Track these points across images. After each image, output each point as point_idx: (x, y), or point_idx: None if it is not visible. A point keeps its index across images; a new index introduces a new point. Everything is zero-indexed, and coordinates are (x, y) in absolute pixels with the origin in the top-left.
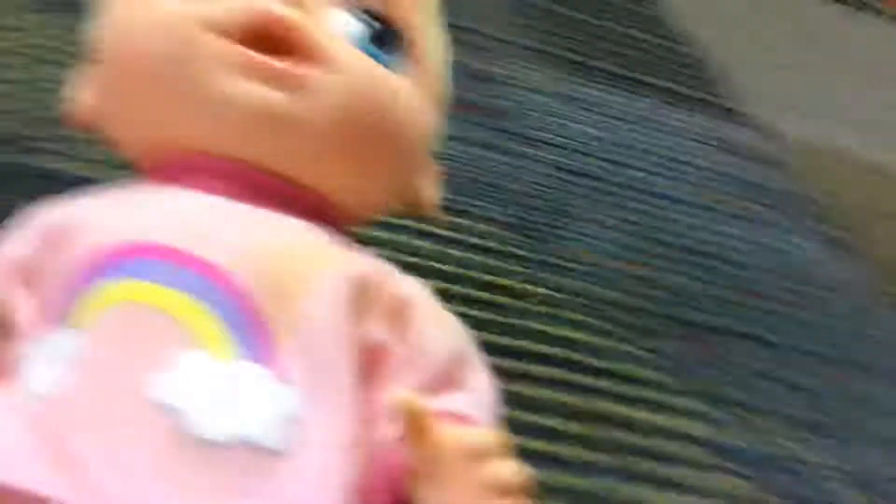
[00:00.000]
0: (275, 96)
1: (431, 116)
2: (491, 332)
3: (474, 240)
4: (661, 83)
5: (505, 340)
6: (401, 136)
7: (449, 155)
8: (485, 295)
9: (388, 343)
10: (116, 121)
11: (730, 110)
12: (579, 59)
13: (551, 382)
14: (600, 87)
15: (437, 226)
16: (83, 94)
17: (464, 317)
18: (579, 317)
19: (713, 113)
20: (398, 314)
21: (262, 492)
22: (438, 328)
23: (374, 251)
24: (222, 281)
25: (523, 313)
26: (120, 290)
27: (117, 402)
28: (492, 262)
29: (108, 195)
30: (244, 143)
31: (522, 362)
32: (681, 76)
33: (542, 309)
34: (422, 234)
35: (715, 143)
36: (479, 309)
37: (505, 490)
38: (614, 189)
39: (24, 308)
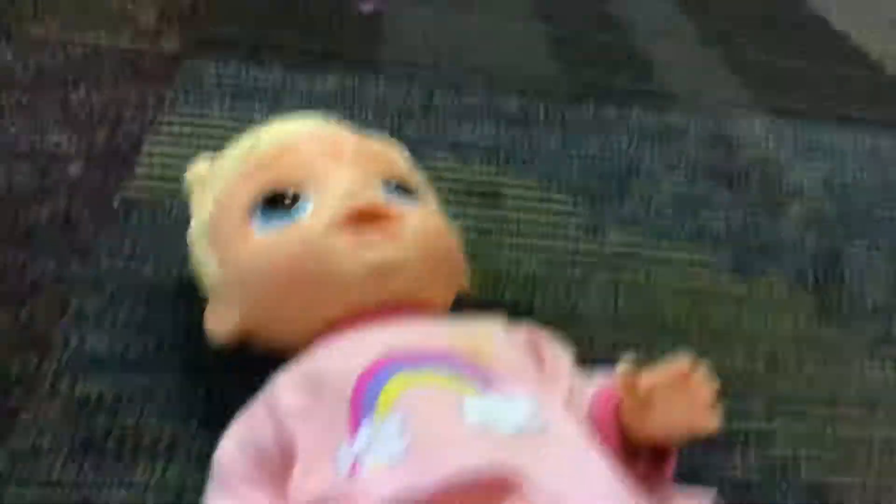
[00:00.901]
0: (385, 251)
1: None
2: None
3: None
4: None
5: None
6: (451, 241)
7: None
8: None
9: (538, 363)
10: (268, 330)
11: None
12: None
13: None
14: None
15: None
16: (222, 324)
17: None
18: None
19: None
20: (534, 345)
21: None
22: (561, 349)
23: None
24: (449, 358)
25: None
26: (394, 383)
27: (447, 430)
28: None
29: (321, 354)
30: (381, 289)
31: None
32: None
33: None
34: None
35: None
36: None
37: (705, 402)
38: None
39: (302, 436)
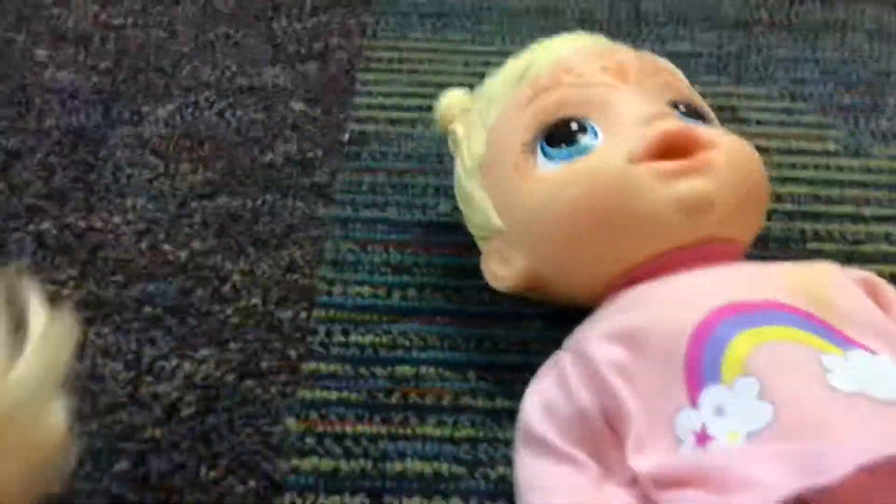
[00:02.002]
0: (698, 182)
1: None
2: None
3: None
4: None
5: None
6: (761, 167)
7: None
8: None
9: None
10: (560, 277)
11: None
12: None
13: None
14: None
15: None
16: (504, 269)
17: None
18: None
19: None
20: (875, 292)
21: None
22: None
23: None
24: (792, 310)
25: None
26: (739, 341)
27: (817, 398)
28: None
29: (634, 307)
30: (694, 227)
31: None
32: None
33: None
34: None
35: None
36: None
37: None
38: None
39: (630, 398)
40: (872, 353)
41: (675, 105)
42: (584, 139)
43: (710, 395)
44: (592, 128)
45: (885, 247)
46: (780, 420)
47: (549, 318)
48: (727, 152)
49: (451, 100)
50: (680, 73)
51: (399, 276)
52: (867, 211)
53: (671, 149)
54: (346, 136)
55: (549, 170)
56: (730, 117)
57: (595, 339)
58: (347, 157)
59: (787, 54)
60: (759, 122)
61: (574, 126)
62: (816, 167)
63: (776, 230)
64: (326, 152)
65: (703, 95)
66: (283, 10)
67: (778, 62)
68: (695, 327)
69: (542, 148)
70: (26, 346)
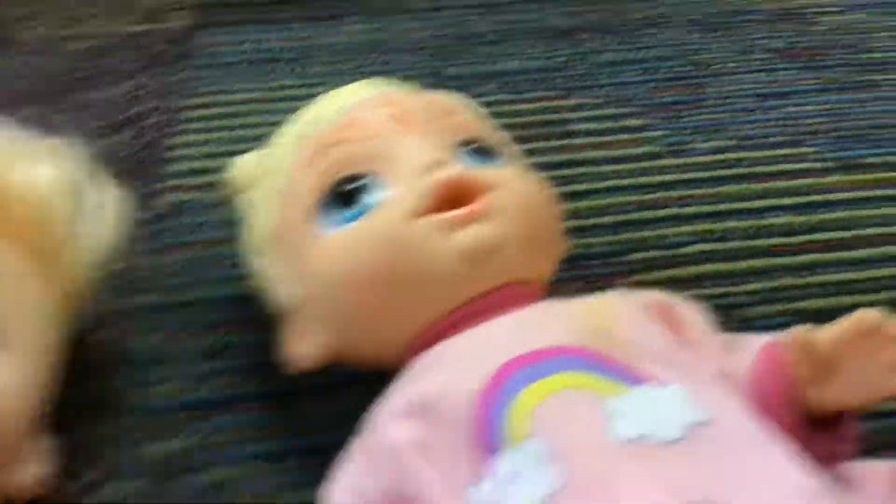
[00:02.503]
0: (479, 229)
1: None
2: None
3: None
4: None
5: None
6: (550, 202)
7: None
8: None
9: (678, 337)
10: (359, 345)
11: None
12: None
13: None
14: None
15: None
16: (304, 346)
17: None
18: None
19: None
20: (667, 313)
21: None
22: (697, 314)
23: None
24: (578, 352)
25: None
26: (524, 398)
27: (604, 451)
28: None
29: (425, 371)
30: (483, 276)
31: None
32: None
33: None
34: None
35: None
36: None
37: None
38: None
39: (428, 478)
40: (661, 384)
41: (465, 144)
42: (370, 197)
43: (502, 462)
44: (377, 182)
45: (704, 245)
46: (574, 481)
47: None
48: (511, 192)
49: (243, 166)
50: (474, 110)
51: (210, 363)
52: (689, 210)
53: (452, 197)
54: (151, 213)
55: (339, 231)
56: (560, 132)
57: (386, 416)
58: (154, 237)
59: (610, 58)
60: (587, 133)
61: (358, 184)
62: (641, 173)
63: (599, 244)
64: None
65: (534, 112)
66: (96, 79)
67: (602, 67)
68: (482, 388)
69: (328, 211)
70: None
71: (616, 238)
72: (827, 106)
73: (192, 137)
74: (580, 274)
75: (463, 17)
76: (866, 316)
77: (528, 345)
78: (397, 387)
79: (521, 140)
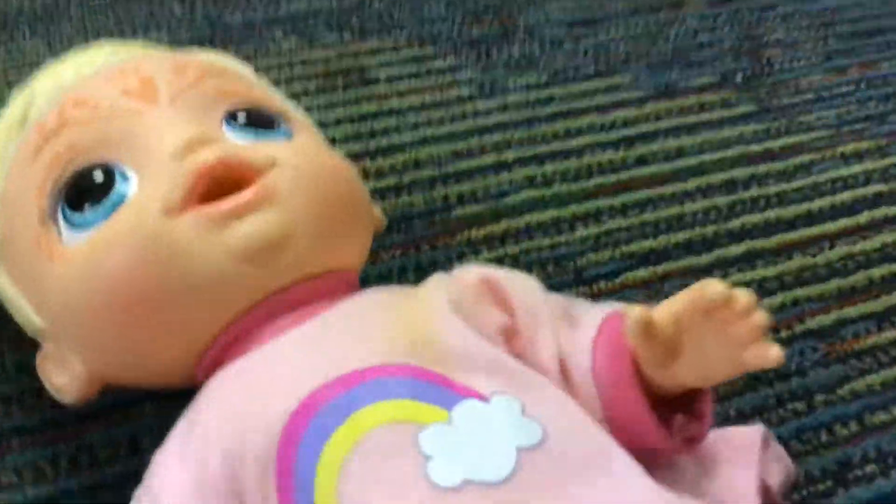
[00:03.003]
0: (258, 220)
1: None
2: None
3: None
4: None
5: None
6: (348, 175)
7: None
8: None
9: (507, 319)
10: (128, 372)
11: None
12: None
13: None
14: None
15: None
16: (62, 376)
17: None
18: None
19: None
20: (494, 293)
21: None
22: (524, 284)
23: None
24: (393, 371)
25: None
26: (332, 448)
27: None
28: None
29: (210, 405)
30: (269, 274)
31: None
32: None
33: None
34: None
35: None
36: None
37: (753, 331)
38: None
39: None
40: (482, 400)
41: (232, 115)
42: (115, 190)
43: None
44: (122, 172)
45: (529, 192)
46: None
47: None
48: (295, 169)
49: None
50: (241, 68)
51: None
52: (508, 156)
53: (218, 184)
54: None
55: (79, 240)
56: (358, 80)
57: (166, 465)
58: None
59: None
60: (388, 80)
61: (97, 176)
62: (453, 119)
63: (418, 202)
64: None
65: (328, 60)
66: None
67: (402, 3)
68: (283, 428)
69: (63, 214)
70: None
71: (436, 193)
72: (637, 30)
73: None
74: (403, 239)
75: None
76: (707, 290)
77: (335, 365)
78: (180, 426)
79: (315, 92)
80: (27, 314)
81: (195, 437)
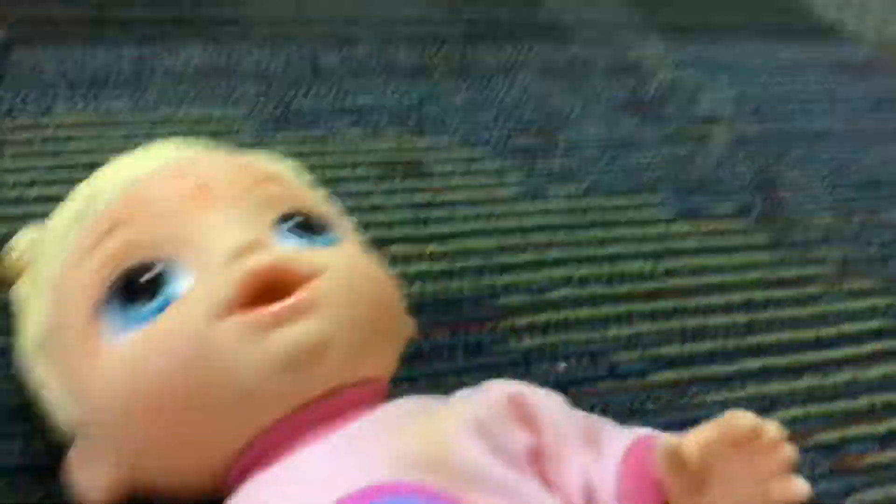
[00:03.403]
0: (300, 329)
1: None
2: None
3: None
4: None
5: None
6: (388, 287)
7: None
8: None
9: (535, 440)
10: (159, 477)
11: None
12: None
13: None
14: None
15: None
16: (91, 478)
17: None
18: None
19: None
20: (521, 413)
21: None
22: (552, 403)
23: None
24: (409, 491)
25: None
26: None
27: None
28: None
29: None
30: (308, 383)
31: None
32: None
33: None
34: None
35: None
36: None
37: (781, 465)
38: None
39: None
40: None
41: (285, 219)
42: (165, 289)
43: None
44: (174, 271)
45: (567, 291)
46: None
47: None
48: (339, 277)
49: (18, 244)
50: (293, 173)
51: None
52: (550, 255)
53: (267, 289)
54: None
55: (126, 338)
56: (415, 172)
57: None
58: None
59: (464, 100)
60: (442, 175)
61: (150, 275)
62: (500, 216)
63: (467, 288)
64: None
65: (389, 151)
66: None
67: (456, 109)
68: None
69: (114, 309)
70: None
71: (483, 282)
72: (666, 157)
73: (9, 163)
74: (453, 319)
75: (312, 49)
76: (738, 422)
77: (353, 480)
78: None
79: (376, 178)
80: (65, 408)
81: None
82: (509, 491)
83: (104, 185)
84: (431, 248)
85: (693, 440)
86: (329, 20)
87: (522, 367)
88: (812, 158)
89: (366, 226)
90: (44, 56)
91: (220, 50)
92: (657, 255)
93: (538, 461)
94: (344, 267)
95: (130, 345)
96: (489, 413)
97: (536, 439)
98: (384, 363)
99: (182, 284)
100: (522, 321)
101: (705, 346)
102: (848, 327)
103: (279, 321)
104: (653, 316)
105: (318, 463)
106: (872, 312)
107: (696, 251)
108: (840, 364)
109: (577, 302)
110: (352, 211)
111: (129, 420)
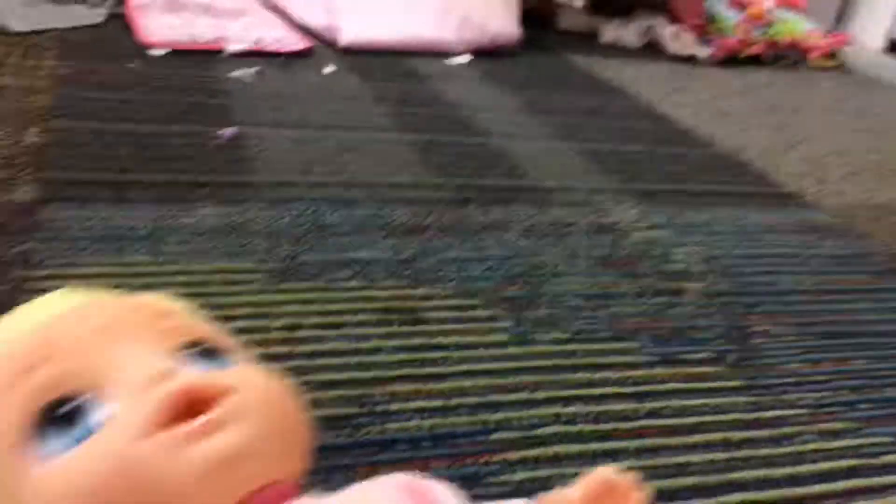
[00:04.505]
0: (222, 438)
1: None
2: None
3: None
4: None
5: None
6: (291, 395)
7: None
8: None
9: None
10: None
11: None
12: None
13: None
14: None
15: None
16: None
17: None
18: None
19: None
20: (417, 497)
21: None
22: (442, 487)
23: None
24: None
25: None
26: None
27: None
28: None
29: None
30: (235, 485)
31: None
32: (738, 181)
33: None
34: None
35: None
36: None
37: None
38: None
39: None
40: None
41: (189, 347)
42: (88, 418)
43: None
44: (94, 402)
45: (556, 428)
46: None
47: None
48: (249, 392)
49: None
50: (190, 310)
51: None
52: (540, 395)
53: (186, 409)
54: None
55: (53, 467)
56: (410, 319)
57: None
58: None
59: (456, 255)
60: (437, 321)
61: (71, 406)
62: (492, 359)
63: (463, 424)
64: None
65: (386, 299)
66: None
67: (449, 263)
68: None
69: (39, 444)
70: None
71: (478, 418)
72: (643, 307)
73: None
74: (448, 452)
75: (317, 209)
76: (601, 474)
77: None
78: None
79: (375, 324)
80: None
81: None
82: None
83: (17, 330)
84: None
85: (572, 490)
86: (331, 183)
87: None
88: (781, 311)
89: (367, 366)
90: (70, 214)
91: (232, 209)
92: (640, 397)
93: None
94: (249, 384)
95: (58, 469)
96: (390, 499)
97: None
98: (295, 465)
99: (102, 412)
100: (515, 455)
101: (689, 481)
102: (821, 466)
103: (200, 435)
104: (637, 453)
105: None
106: (843, 452)
107: (676, 393)
108: (816, 500)
109: (565, 438)
110: (353, 352)
111: None
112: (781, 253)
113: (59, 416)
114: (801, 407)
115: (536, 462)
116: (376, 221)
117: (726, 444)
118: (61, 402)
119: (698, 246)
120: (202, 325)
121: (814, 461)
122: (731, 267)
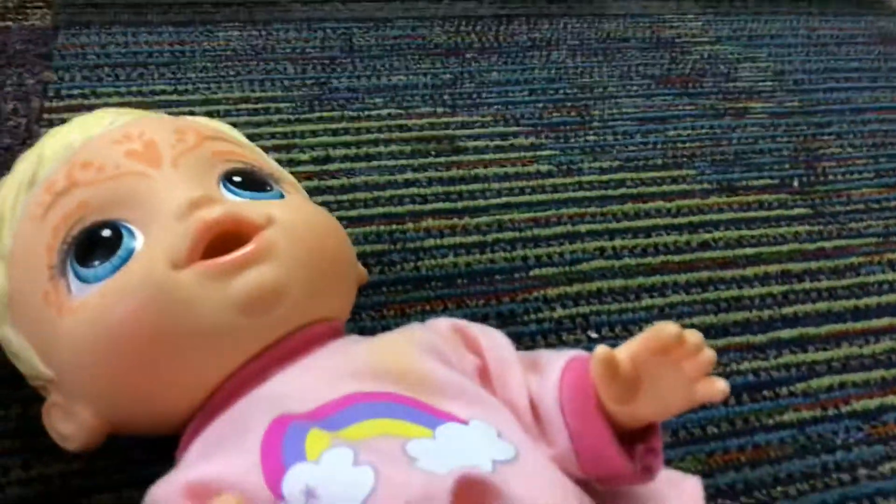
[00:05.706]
0: (256, 274)
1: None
2: None
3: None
4: None
5: None
6: (337, 233)
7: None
8: None
9: (480, 363)
10: (133, 419)
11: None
12: None
13: None
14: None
15: None
16: (68, 426)
17: None
18: None
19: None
20: (465, 339)
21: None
22: (492, 334)
23: None
24: (377, 397)
25: None
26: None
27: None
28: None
29: (208, 444)
30: (267, 325)
31: None
32: None
33: None
34: None
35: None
36: None
37: (703, 368)
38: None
39: None
40: (462, 422)
41: (229, 177)
42: (122, 246)
43: (298, 472)
44: (129, 229)
45: (599, 262)
46: (381, 485)
47: None
48: (290, 226)
49: None
50: (235, 134)
51: None
52: (582, 228)
53: (221, 240)
54: None
55: (88, 294)
56: (448, 147)
57: (168, 499)
58: None
59: (498, 77)
60: (475, 150)
61: (105, 233)
62: (532, 190)
63: (500, 260)
64: None
65: (422, 128)
66: None
67: (490, 86)
68: (264, 436)
69: (73, 269)
70: None
71: (516, 254)
72: (702, 131)
73: None
74: (485, 290)
75: (347, 30)
76: (662, 331)
77: (318, 398)
78: (182, 466)
79: (410, 155)
80: (35, 365)
81: (194, 480)
82: (470, 397)
83: (47, 153)
84: None
85: (624, 350)
86: (363, 0)
87: (554, 336)
88: (853, 131)
89: (400, 200)
90: (88, 39)
91: (257, 32)
92: (692, 228)
93: (484, 381)
94: (292, 217)
95: (93, 299)
96: (438, 338)
97: (481, 362)
98: (337, 305)
99: (137, 241)
100: (554, 292)
101: (740, 315)
102: (887, 298)
103: (237, 268)
104: (687, 287)
105: (293, 381)
106: None
107: (733, 223)
108: (878, 335)
109: (608, 273)
110: (386, 185)
111: (98, 369)
112: (857, 67)
113: (94, 242)
114: (868, 236)
115: (576, 298)
116: (410, 42)
117: (784, 276)
118: (96, 230)
119: (766, 61)
120: (247, 152)
121: (879, 293)
122: (801, 83)
